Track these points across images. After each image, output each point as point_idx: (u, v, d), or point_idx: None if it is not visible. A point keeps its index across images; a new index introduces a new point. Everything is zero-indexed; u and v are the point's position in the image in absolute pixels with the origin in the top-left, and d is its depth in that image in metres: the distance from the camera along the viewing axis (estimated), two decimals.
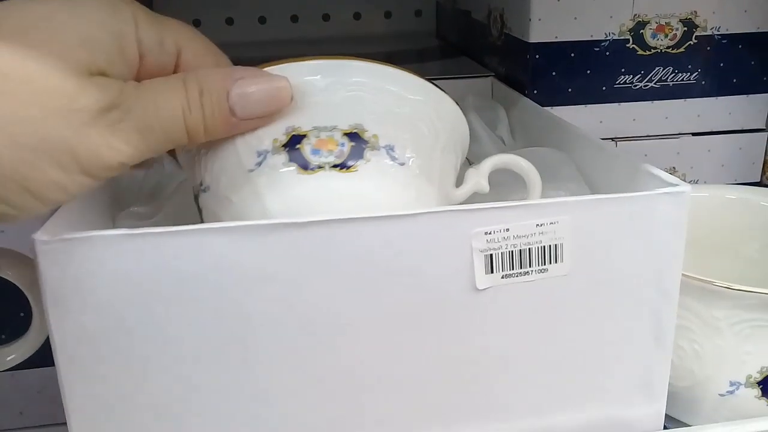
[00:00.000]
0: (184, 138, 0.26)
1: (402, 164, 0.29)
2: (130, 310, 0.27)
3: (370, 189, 0.28)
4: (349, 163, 0.28)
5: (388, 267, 0.28)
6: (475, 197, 0.33)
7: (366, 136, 0.28)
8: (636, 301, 0.31)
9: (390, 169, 0.29)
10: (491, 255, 0.28)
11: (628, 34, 0.52)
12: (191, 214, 0.37)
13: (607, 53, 0.52)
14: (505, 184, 0.38)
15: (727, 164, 0.57)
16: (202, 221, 0.31)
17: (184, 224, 0.35)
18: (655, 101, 0.54)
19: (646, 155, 0.55)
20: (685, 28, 0.52)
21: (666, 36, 0.52)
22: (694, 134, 0.56)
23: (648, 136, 0.55)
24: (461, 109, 0.32)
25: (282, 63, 0.29)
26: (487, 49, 0.62)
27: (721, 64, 0.54)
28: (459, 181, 0.33)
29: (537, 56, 0.51)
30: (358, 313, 0.28)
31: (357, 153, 0.28)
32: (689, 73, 0.54)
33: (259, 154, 0.28)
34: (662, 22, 0.52)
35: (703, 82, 0.54)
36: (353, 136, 0.28)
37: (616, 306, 0.31)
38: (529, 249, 0.29)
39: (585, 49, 0.51)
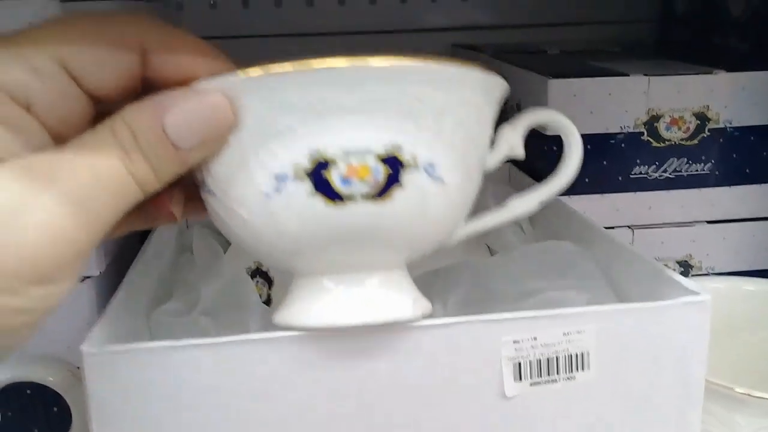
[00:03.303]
0: (138, 193, 0.23)
1: (442, 182, 0.26)
2: (168, 418, 0.28)
3: (405, 218, 0.25)
4: (384, 190, 0.25)
5: (419, 375, 0.29)
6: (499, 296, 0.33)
7: (404, 157, 0.25)
8: (661, 407, 0.31)
9: (428, 190, 0.25)
10: (519, 363, 0.29)
11: (643, 127, 0.53)
12: (230, 305, 0.38)
13: (623, 145, 0.53)
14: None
15: (740, 251, 0.58)
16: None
17: (223, 316, 0.37)
18: (670, 190, 0.55)
19: (662, 243, 0.56)
20: (698, 121, 0.54)
21: (679, 128, 0.54)
22: (708, 222, 0.57)
23: (664, 224, 0.56)
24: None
25: (292, 66, 0.23)
26: None
27: (734, 155, 0.55)
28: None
29: (554, 147, 0.53)
30: (387, 422, 0.29)
31: (393, 178, 0.25)
32: (703, 164, 0.55)
33: (278, 178, 0.24)
34: (676, 115, 0.53)
35: (717, 172, 0.55)
36: (390, 159, 0.24)
37: (642, 412, 0.31)
38: (557, 357, 0.30)
39: (601, 141, 0.53)
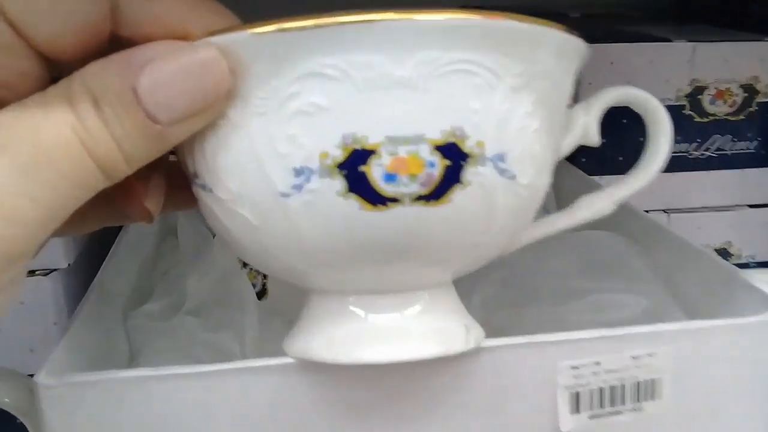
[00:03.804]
0: (99, 177, 0.17)
1: (513, 178, 0.19)
2: None
3: (464, 226, 0.20)
4: (441, 191, 0.19)
5: (456, 409, 0.23)
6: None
7: (467, 146, 0.18)
8: None
9: (496, 189, 0.19)
10: (578, 392, 0.24)
11: (685, 100, 0.48)
12: (221, 302, 0.33)
13: None
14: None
15: None
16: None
17: (214, 316, 0.31)
18: (710, 171, 0.50)
19: (699, 228, 0.51)
20: (746, 94, 0.48)
21: (725, 102, 0.48)
22: (751, 206, 0.51)
23: (703, 208, 0.51)
24: None
25: (318, 20, 0.17)
26: None
27: None
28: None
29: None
30: None
31: (452, 174, 0.19)
32: (748, 141, 0.49)
33: (299, 172, 0.18)
34: (722, 87, 0.48)
35: (763, 152, 0.50)
36: (449, 148, 0.18)
37: None
38: (623, 385, 0.24)
39: (638, 115, 0.47)
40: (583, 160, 0.48)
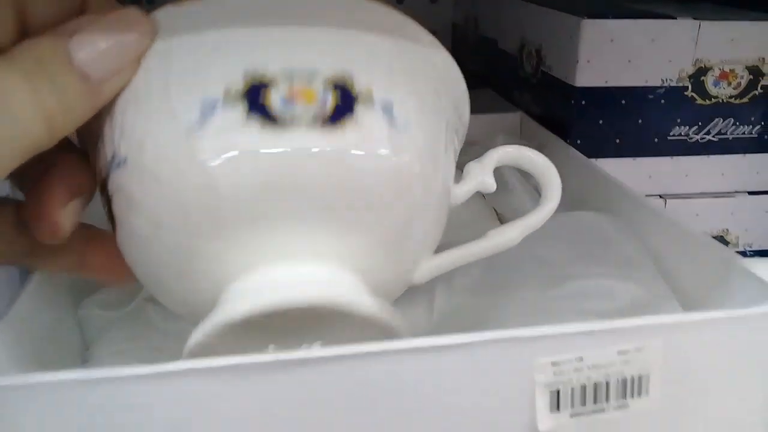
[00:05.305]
0: (42, 134, 0.19)
1: (403, 130, 0.21)
2: None
3: (364, 158, 0.20)
4: (335, 118, 0.20)
5: (426, 406, 0.22)
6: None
7: (356, 87, 0.20)
8: None
9: (387, 133, 0.20)
10: (558, 390, 0.22)
11: (688, 81, 0.45)
12: None
13: (663, 101, 0.46)
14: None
15: None
16: (110, 219, 0.22)
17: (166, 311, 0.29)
18: (710, 156, 0.48)
19: (697, 215, 0.49)
20: (751, 76, 0.46)
21: (729, 84, 0.46)
22: (750, 193, 0.49)
23: (701, 194, 0.49)
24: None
25: None
26: (517, 84, 0.56)
27: None
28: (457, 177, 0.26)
29: (583, 102, 0.45)
30: None
31: (344, 107, 0.20)
32: (751, 126, 0.47)
33: (204, 105, 0.19)
34: (726, 68, 0.45)
35: (766, 137, 0.48)
36: (339, 86, 0.20)
37: None
38: (607, 382, 0.23)
39: (638, 96, 0.45)
40: (580, 142, 0.46)
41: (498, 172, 0.43)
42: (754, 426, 0.24)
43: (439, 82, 0.23)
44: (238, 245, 0.20)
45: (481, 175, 0.25)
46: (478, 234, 0.32)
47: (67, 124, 0.19)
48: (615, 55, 0.44)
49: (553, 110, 0.49)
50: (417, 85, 0.22)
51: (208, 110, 0.19)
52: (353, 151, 0.20)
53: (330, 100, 0.20)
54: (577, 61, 0.44)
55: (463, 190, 0.25)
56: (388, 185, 0.21)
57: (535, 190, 0.45)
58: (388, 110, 0.20)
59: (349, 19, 0.21)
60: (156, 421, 0.20)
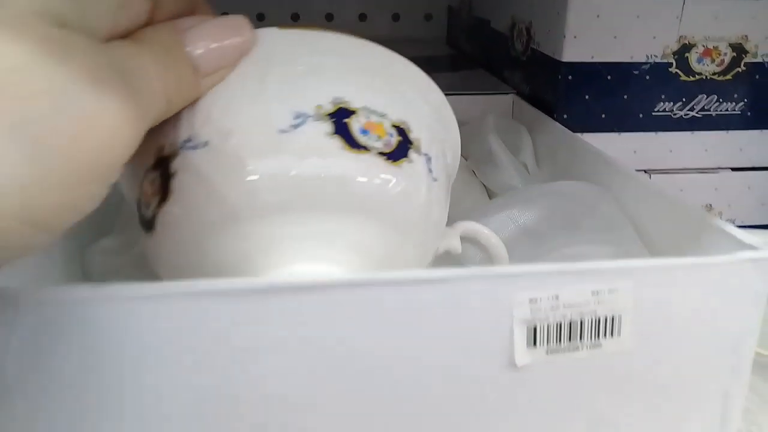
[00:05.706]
0: (163, 109, 0.21)
1: (435, 180, 0.26)
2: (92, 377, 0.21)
3: (411, 191, 0.24)
4: (396, 156, 0.24)
5: (409, 337, 0.23)
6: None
7: (411, 136, 0.25)
8: (702, 383, 0.26)
9: (427, 179, 0.25)
10: (535, 326, 0.23)
11: (672, 58, 0.47)
12: None
13: (647, 77, 0.47)
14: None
15: (767, 203, 0.52)
16: (159, 192, 0.24)
17: None
18: (695, 132, 0.49)
19: (681, 190, 0.50)
20: (734, 54, 0.47)
21: (713, 61, 0.47)
22: (733, 169, 0.51)
23: (685, 169, 0.50)
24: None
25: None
26: (508, 64, 0.57)
27: None
28: None
29: (570, 77, 0.46)
30: (369, 392, 0.23)
31: (403, 150, 0.24)
32: (734, 103, 0.49)
33: (297, 116, 0.23)
34: (710, 45, 0.47)
35: (749, 114, 0.49)
36: (401, 131, 0.25)
37: (679, 388, 0.26)
38: (581, 320, 0.24)
39: (623, 71, 0.46)
40: (565, 116, 0.47)
41: (488, 150, 0.44)
42: (721, 369, 0.26)
43: (447, 142, 0.28)
44: (293, 235, 0.23)
45: (449, 239, 0.29)
46: (470, 205, 0.33)
47: (177, 107, 0.22)
48: (601, 31, 0.45)
49: (541, 86, 0.50)
50: (443, 146, 0.27)
51: (300, 120, 0.23)
52: (406, 185, 0.24)
53: (394, 140, 0.24)
54: (564, 37, 0.45)
55: (441, 246, 0.29)
56: (420, 218, 0.25)
57: (522, 166, 0.46)
58: (428, 161, 0.25)
59: (393, 73, 0.27)
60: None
